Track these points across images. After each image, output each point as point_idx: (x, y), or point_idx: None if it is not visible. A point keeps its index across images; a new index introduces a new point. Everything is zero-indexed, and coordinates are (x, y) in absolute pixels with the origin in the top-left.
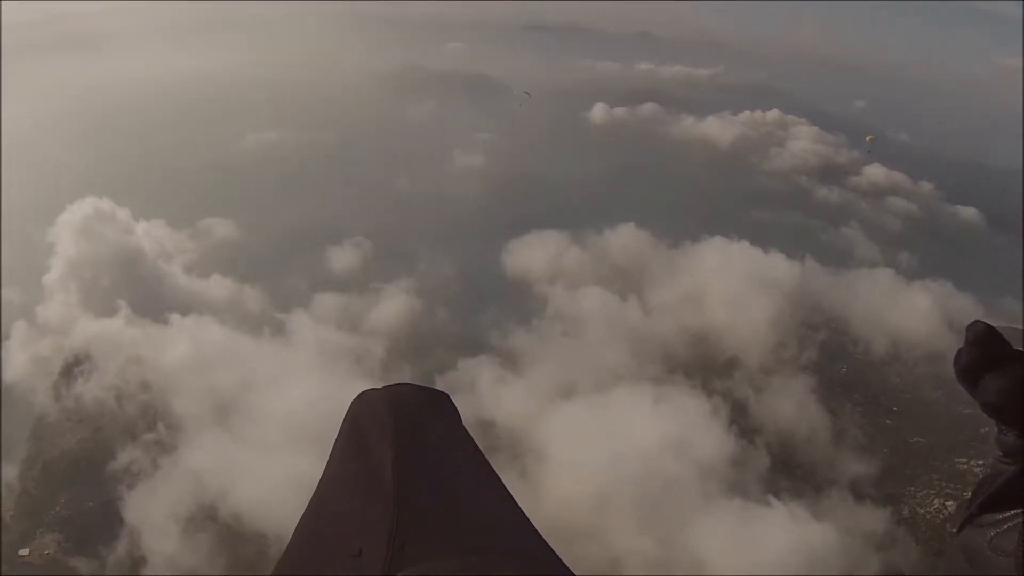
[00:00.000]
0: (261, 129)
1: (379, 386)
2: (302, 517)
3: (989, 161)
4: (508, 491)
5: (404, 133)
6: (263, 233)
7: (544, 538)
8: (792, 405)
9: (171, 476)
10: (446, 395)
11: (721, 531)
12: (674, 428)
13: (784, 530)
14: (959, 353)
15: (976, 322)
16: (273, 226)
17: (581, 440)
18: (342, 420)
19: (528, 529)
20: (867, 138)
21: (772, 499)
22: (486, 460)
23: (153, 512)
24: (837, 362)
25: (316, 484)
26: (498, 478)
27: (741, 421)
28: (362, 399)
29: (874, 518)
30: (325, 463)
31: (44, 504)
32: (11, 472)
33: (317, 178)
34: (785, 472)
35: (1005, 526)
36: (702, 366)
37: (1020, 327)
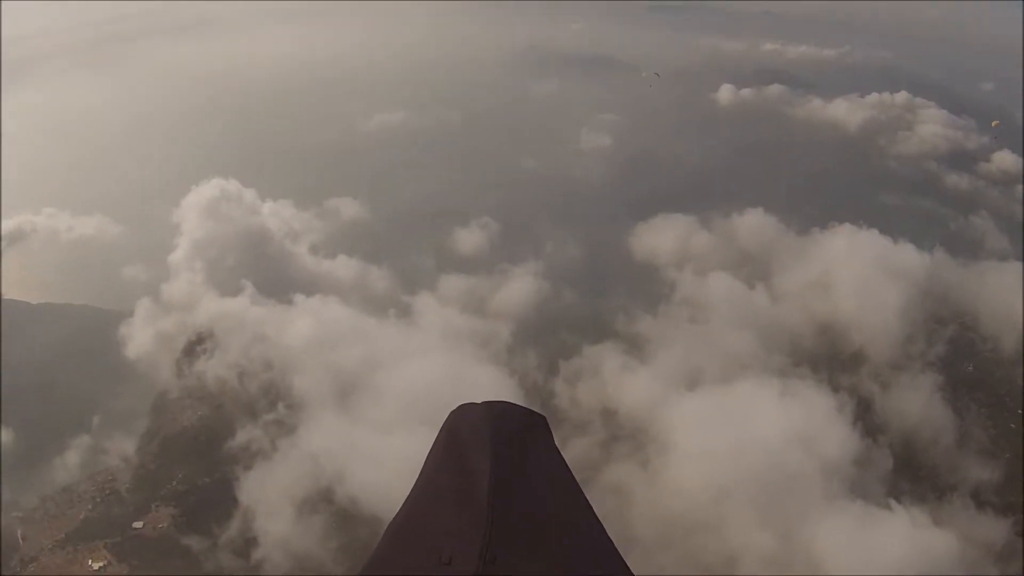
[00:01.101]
0: (385, 110)
1: (478, 401)
2: (394, 518)
3: None
4: (598, 518)
5: (529, 113)
6: (390, 213)
7: (630, 568)
8: (918, 404)
9: (289, 457)
10: (543, 417)
11: (841, 532)
12: (799, 423)
13: (903, 535)
14: None
15: None
16: (400, 207)
17: (704, 431)
18: (440, 429)
19: (616, 558)
20: (993, 123)
21: (893, 503)
22: (579, 485)
23: (268, 492)
24: (964, 359)
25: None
26: (589, 504)
27: (866, 418)
28: (462, 411)
29: (995, 528)
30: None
31: (161, 478)
32: (130, 446)
33: (442, 159)
34: (907, 474)
35: None
36: (828, 358)
37: None
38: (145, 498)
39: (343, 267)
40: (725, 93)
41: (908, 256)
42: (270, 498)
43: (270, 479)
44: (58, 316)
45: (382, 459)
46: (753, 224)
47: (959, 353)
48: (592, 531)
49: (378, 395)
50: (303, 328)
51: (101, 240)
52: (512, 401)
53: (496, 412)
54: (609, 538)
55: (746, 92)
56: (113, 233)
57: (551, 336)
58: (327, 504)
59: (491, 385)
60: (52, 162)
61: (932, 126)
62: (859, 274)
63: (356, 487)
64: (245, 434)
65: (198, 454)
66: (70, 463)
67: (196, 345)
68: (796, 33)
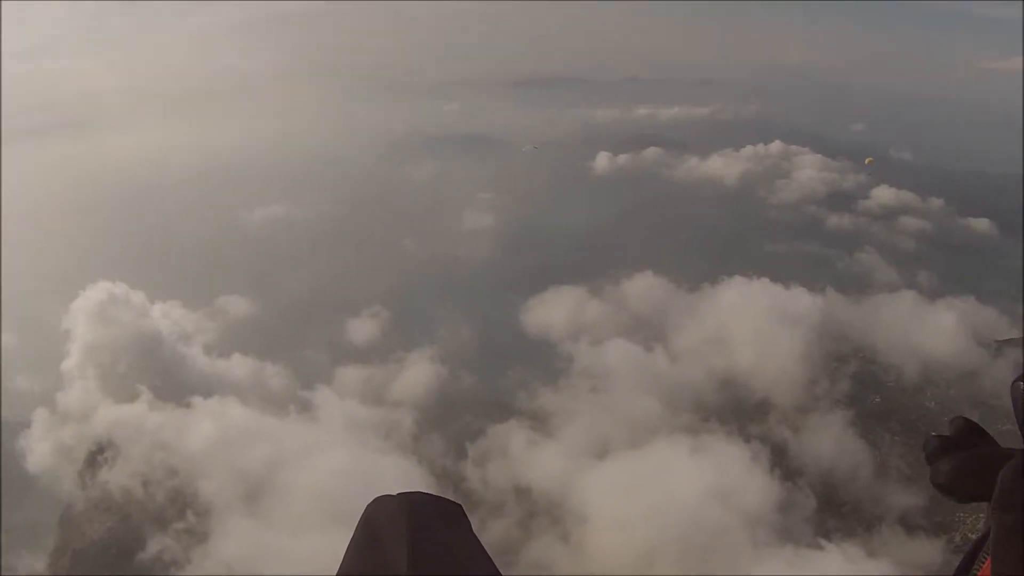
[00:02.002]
0: (268, 203)
1: (393, 493)
2: None
3: (991, 169)
4: None
5: (410, 197)
6: (279, 308)
7: None
8: (831, 442)
9: (203, 567)
10: (459, 505)
11: None
12: (715, 477)
13: (839, 571)
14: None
15: (956, 417)
16: (289, 300)
17: (620, 498)
18: (356, 523)
19: None
20: (866, 160)
21: (823, 541)
22: (498, 570)
23: None
24: (870, 392)
25: None
26: None
27: (782, 463)
28: (377, 504)
29: (929, 549)
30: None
31: None
32: (40, 563)
33: (328, 249)
34: (833, 512)
35: None
36: (735, 410)
37: None
38: None
39: (238, 366)
40: (602, 161)
41: (801, 300)
42: None
43: None
44: None
45: (296, 561)
46: (643, 287)
47: (864, 387)
48: None
49: (286, 495)
50: (204, 431)
51: None
52: (427, 491)
53: (412, 502)
54: None
55: (623, 158)
56: (6, 341)
57: (455, 419)
58: None
59: (399, 474)
60: None
61: (809, 171)
62: (755, 323)
63: None
64: (156, 544)
65: (111, 567)
66: None
67: (97, 455)
68: (666, 96)
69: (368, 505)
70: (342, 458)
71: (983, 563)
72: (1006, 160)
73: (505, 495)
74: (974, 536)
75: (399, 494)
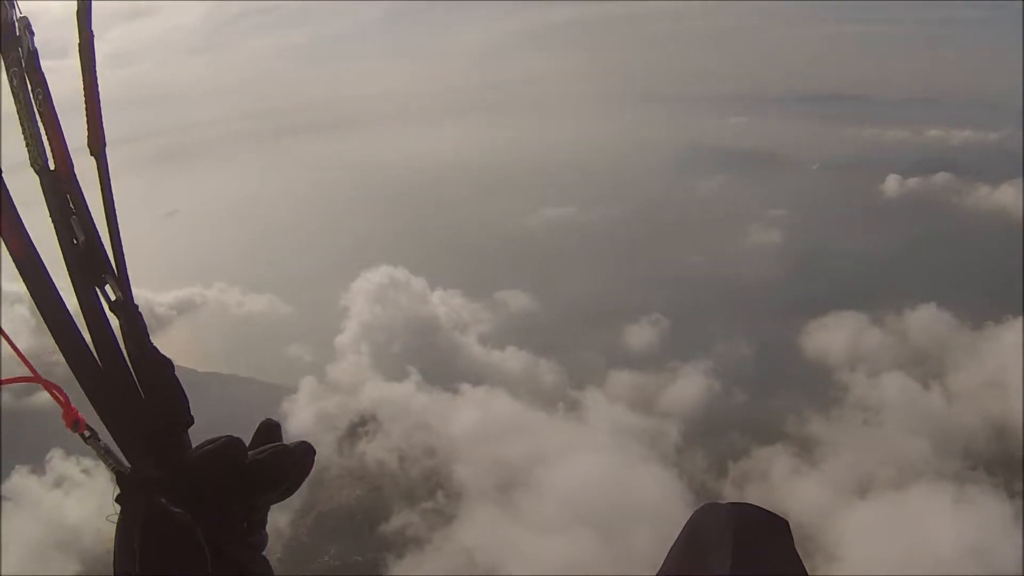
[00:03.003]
0: (551, 204)
1: (723, 502)
2: None
3: None
4: None
5: (694, 209)
6: (558, 307)
7: None
8: None
9: (443, 548)
10: (786, 521)
11: None
12: (973, 532)
13: None
14: None
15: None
16: (568, 300)
17: (874, 541)
18: (683, 527)
19: None
20: None
21: None
22: None
23: None
24: None
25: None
26: None
27: None
28: (707, 510)
29: None
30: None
31: (312, 553)
32: (283, 519)
33: (609, 254)
34: None
35: None
36: (1005, 462)
37: None
38: (294, 570)
39: (512, 359)
40: (892, 184)
41: None
42: None
43: (421, 568)
44: (224, 386)
45: (535, 558)
46: (926, 320)
47: None
48: None
49: (540, 491)
50: (468, 418)
51: (270, 317)
52: (757, 504)
53: (741, 514)
54: None
55: (913, 182)
56: (282, 312)
57: (720, 436)
58: None
59: (657, 486)
60: (223, 240)
61: None
62: None
63: None
64: (401, 519)
65: (352, 533)
66: None
67: (359, 427)
68: (955, 119)
69: (696, 511)
70: (602, 462)
71: None
72: None
73: None
74: None
75: (729, 503)
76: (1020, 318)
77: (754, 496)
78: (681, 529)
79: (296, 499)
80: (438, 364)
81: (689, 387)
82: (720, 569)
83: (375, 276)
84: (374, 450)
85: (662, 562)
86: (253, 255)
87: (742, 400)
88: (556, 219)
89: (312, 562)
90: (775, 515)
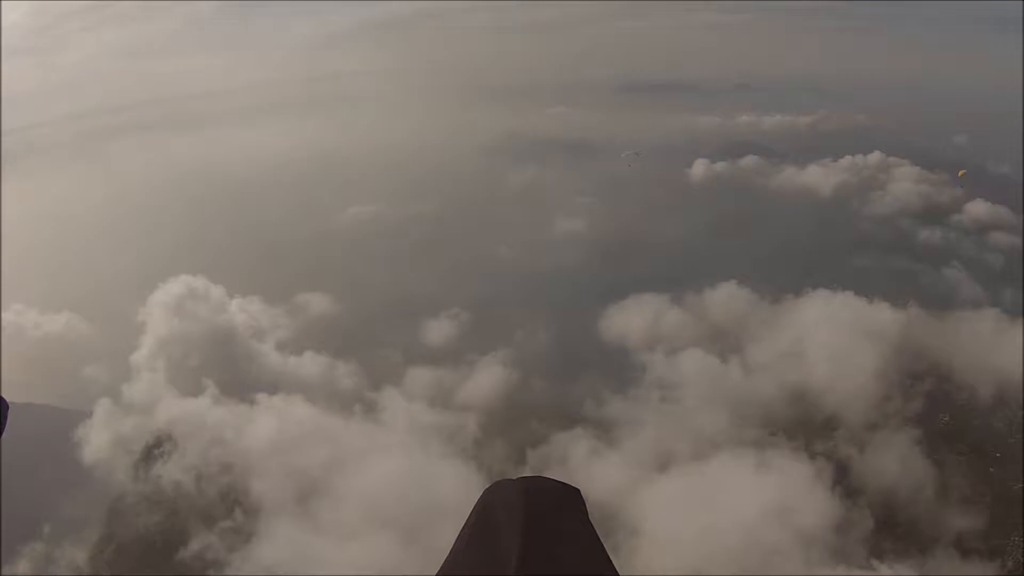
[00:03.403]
0: (360, 203)
1: (513, 477)
2: None
3: None
4: None
5: (505, 201)
6: (361, 308)
7: None
8: (896, 461)
9: (243, 569)
10: (578, 491)
11: None
12: (776, 494)
13: None
14: None
15: None
16: (372, 300)
17: (677, 512)
18: (473, 507)
19: None
20: (960, 173)
21: (876, 563)
22: (610, 560)
23: None
24: (940, 411)
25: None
26: None
27: (844, 482)
28: (496, 488)
29: (982, 573)
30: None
31: None
32: (82, 554)
33: (417, 250)
34: (889, 533)
35: None
36: (803, 426)
37: None
38: None
39: (310, 364)
40: (699, 168)
41: (882, 315)
42: None
43: None
44: (18, 416)
45: (338, 567)
46: (725, 297)
47: (935, 406)
48: None
49: (340, 498)
50: (264, 429)
51: (68, 338)
52: (547, 476)
53: (531, 488)
54: None
55: (720, 165)
56: (81, 331)
57: (520, 425)
58: None
59: (457, 481)
60: (21, 257)
61: (905, 183)
62: (833, 337)
63: None
64: (199, 542)
65: (152, 562)
66: (20, 572)
67: (154, 448)
68: (771, 103)
69: (486, 488)
70: (401, 462)
71: None
72: None
73: None
74: None
75: (519, 478)
76: (819, 290)
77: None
78: (472, 509)
79: (94, 532)
80: (235, 375)
81: (487, 379)
82: (512, 543)
83: (173, 287)
84: (171, 471)
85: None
86: (55, 271)
87: (540, 388)
88: (363, 217)
89: None
90: (567, 485)
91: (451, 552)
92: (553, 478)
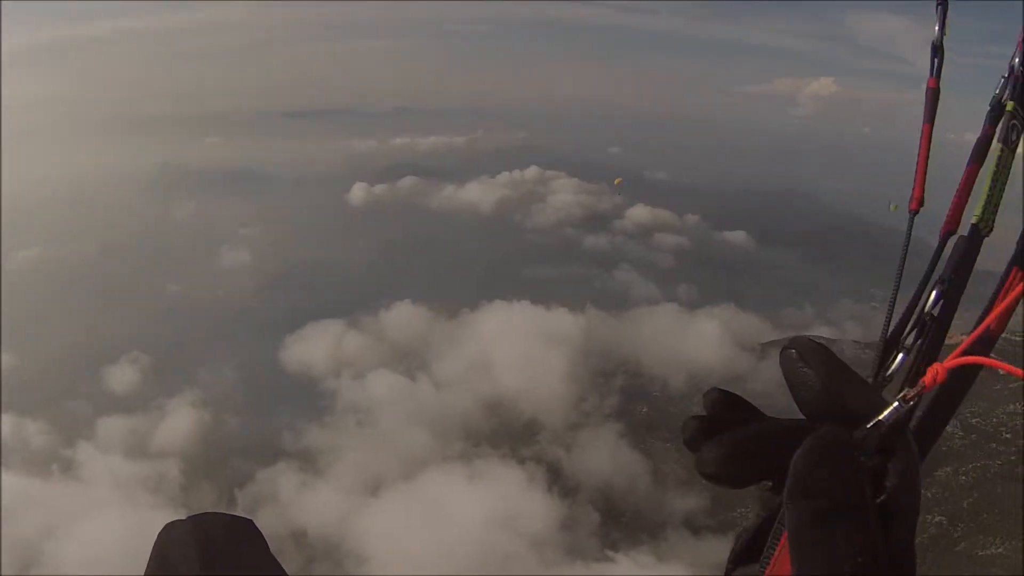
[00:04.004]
0: (24, 246)
1: (184, 517)
2: None
3: (746, 185)
4: None
5: (169, 236)
6: (39, 359)
7: None
8: (605, 455)
9: None
10: (251, 521)
11: None
12: (494, 502)
13: None
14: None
15: (711, 390)
16: (48, 350)
17: (400, 533)
18: (149, 555)
19: None
20: (616, 181)
21: (611, 553)
22: None
23: None
24: (638, 404)
25: None
26: None
27: (559, 482)
28: (167, 531)
29: (717, 548)
30: None
31: None
32: None
33: (85, 293)
34: (616, 523)
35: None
36: (506, 434)
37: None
38: None
39: None
40: (358, 192)
41: (562, 320)
42: None
43: None
44: None
45: None
46: (402, 317)
47: (632, 399)
48: None
49: (60, 567)
50: None
51: None
52: (218, 511)
53: (201, 526)
54: None
55: (379, 188)
56: None
57: (221, 466)
58: None
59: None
60: None
61: (564, 195)
62: (518, 346)
63: None
64: None
65: None
66: None
67: None
68: (432, 126)
69: (159, 533)
70: (110, 520)
71: (767, 561)
72: (764, 176)
73: (282, 541)
74: None
75: (189, 517)
76: (495, 302)
77: (269, 516)
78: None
79: None
80: None
81: (180, 422)
82: None
83: None
84: None
85: None
86: None
87: (235, 425)
88: (23, 262)
89: None
90: (238, 518)
91: None
92: (223, 512)
